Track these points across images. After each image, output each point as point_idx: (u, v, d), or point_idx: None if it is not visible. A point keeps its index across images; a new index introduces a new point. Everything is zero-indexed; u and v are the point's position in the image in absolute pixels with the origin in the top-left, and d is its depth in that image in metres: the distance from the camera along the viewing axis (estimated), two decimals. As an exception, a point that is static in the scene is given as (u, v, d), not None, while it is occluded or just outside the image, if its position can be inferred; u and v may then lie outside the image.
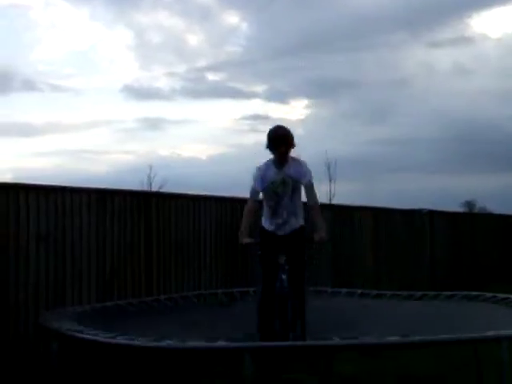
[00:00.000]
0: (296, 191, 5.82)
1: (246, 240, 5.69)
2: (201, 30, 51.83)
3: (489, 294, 6.38)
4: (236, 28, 50.57)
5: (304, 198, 5.92)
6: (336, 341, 3.96)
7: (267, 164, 5.82)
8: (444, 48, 53.16)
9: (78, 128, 49.43)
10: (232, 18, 53.66)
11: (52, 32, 49.08)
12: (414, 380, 6.90)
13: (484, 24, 57.86)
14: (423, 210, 15.00)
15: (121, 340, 4.34)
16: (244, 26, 51.83)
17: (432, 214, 15.17)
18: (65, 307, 6.52)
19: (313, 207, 5.78)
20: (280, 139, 5.69)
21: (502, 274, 17.38)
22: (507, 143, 45.20)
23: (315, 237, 5.65)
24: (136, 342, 4.33)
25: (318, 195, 5.92)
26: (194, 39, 53.47)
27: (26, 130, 44.83)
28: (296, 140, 5.74)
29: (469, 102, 50.52)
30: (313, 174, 5.85)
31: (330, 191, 25.59)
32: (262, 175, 5.77)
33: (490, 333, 4.29)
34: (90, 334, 4.47)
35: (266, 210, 5.95)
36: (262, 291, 5.77)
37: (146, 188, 25.18)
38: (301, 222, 5.91)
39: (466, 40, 54.07)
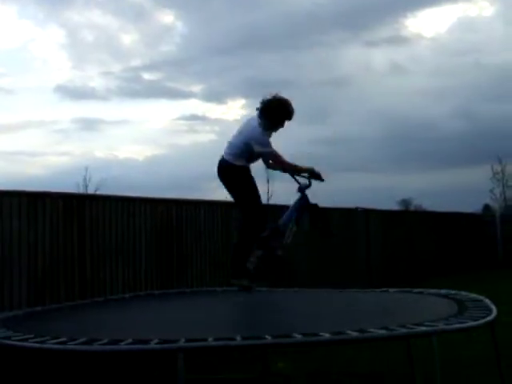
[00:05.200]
0: None
1: None
2: (135, 29, 51.57)
3: (415, 290, 6.53)
4: (171, 27, 50.39)
5: None
6: (268, 339, 3.97)
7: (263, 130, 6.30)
8: (380, 47, 54.10)
9: (10, 129, 48.54)
10: (167, 17, 53.52)
11: (-20, 30, 47.92)
12: (352, 377, 6.99)
13: (418, 24, 59.15)
14: (358, 208, 15.21)
15: (51, 345, 4.24)
16: (179, 24, 51.73)
17: (367, 212, 15.40)
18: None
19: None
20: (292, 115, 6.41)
21: (438, 269, 17.80)
22: (442, 141, 46.35)
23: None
24: (67, 347, 4.24)
25: None
26: (128, 38, 53.17)
27: (-45, 132, 43.57)
28: None
29: (404, 101, 51.60)
30: None
31: (268, 191, 25.72)
32: None
33: (421, 328, 4.34)
34: (18, 340, 4.36)
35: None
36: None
37: (82, 190, 24.85)
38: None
39: (402, 39, 55.15)
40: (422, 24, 59.44)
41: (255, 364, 6.99)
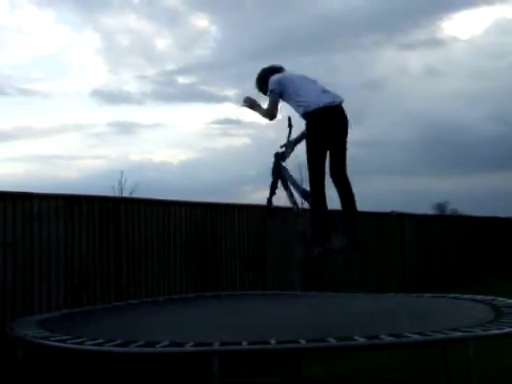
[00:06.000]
0: None
1: None
2: (169, 33, 51.70)
3: (451, 295, 6.47)
4: (205, 31, 50.55)
5: None
6: (303, 343, 3.96)
7: None
8: (415, 50, 53.66)
9: (47, 133, 49.06)
10: (201, 21, 53.63)
11: (18, 35, 48.61)
12: (386, 382, 6.94)
13: (454, 26, 58.49)
14: (393, 212, 15.10)
15: (88, 346, 4.29)
16: (213, 28, 51.81)
17: (402, 216, 15.28)
18: (32, 314, 6.46)
19: None
20: None
21: (473, 274, 17.57)
22: (477, 145, 45.82)
23: None
24: (104, 348, 4.29)
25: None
26: (162, 42, 53.42)
27: (-6, 135, 44.13)
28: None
29: (439, 104, 51.14)
30: None
31: (302, 195, 25.66)
32: None
33: (457, 333, 4.31)
34: (56, 341, 4.42)
35: None
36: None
37: (117, 193, 25.05)
38: None
39: (437, 42, 54.59)
40: (458, 26, 58.83)
41: (290, 368, 6.98)
